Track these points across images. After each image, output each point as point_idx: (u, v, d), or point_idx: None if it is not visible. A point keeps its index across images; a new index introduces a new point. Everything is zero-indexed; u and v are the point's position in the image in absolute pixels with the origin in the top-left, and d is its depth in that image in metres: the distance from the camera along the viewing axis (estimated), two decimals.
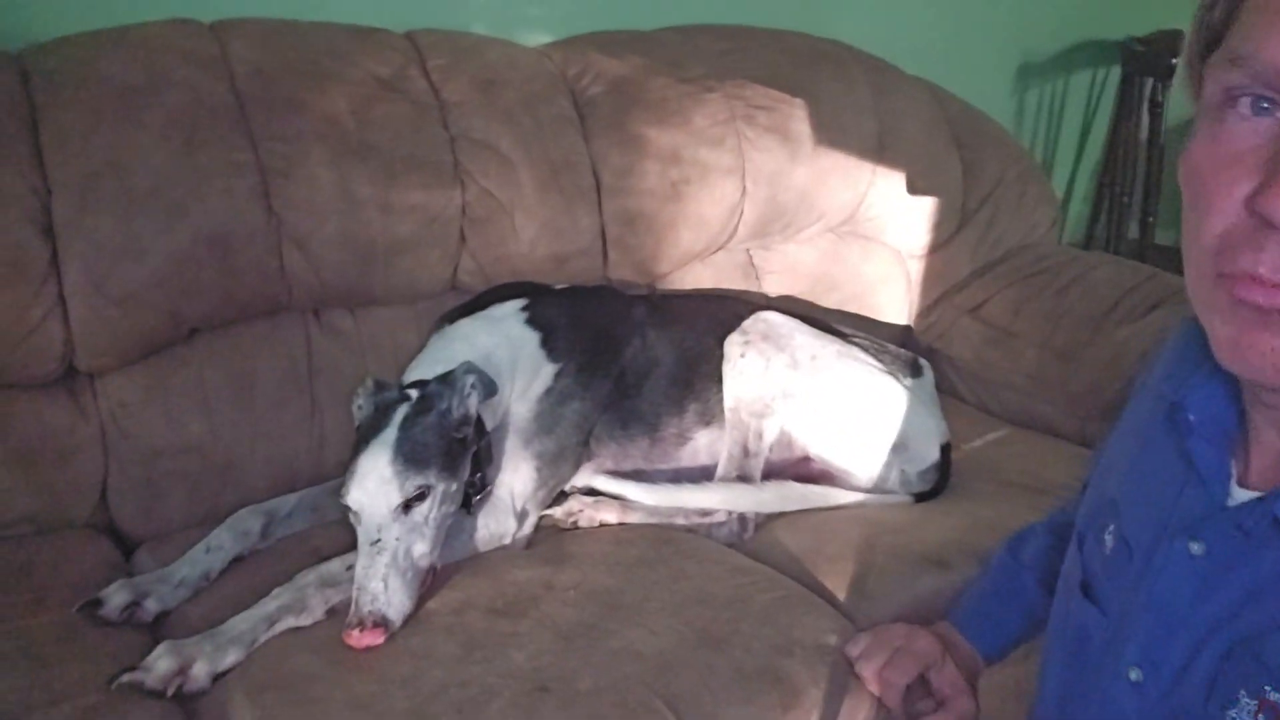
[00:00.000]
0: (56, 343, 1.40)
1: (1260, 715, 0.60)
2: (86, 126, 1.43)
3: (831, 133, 1.99)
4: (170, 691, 1.13)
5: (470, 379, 1.35)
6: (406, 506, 1.25)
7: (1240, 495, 0.67)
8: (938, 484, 1.69)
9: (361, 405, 1.36)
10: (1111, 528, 0.77)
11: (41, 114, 1.42)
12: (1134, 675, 0.70)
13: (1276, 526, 0.61)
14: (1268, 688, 0.60)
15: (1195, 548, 0.67)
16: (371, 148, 1.59)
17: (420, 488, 1.26)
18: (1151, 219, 3.02)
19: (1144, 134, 2.93)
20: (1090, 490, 0.82)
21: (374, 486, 1.25)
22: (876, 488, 1.66)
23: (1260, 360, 0.58)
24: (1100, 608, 0.76)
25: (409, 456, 1.26)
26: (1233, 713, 0.62)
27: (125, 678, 1.11)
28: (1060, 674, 0.80)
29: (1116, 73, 2.99)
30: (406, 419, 1.29)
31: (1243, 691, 0.61)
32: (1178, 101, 2.83)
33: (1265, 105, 0.57)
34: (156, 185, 1.43)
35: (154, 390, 1.49)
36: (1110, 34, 2.99)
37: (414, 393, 1.34)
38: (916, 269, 2.23)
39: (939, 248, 2.21)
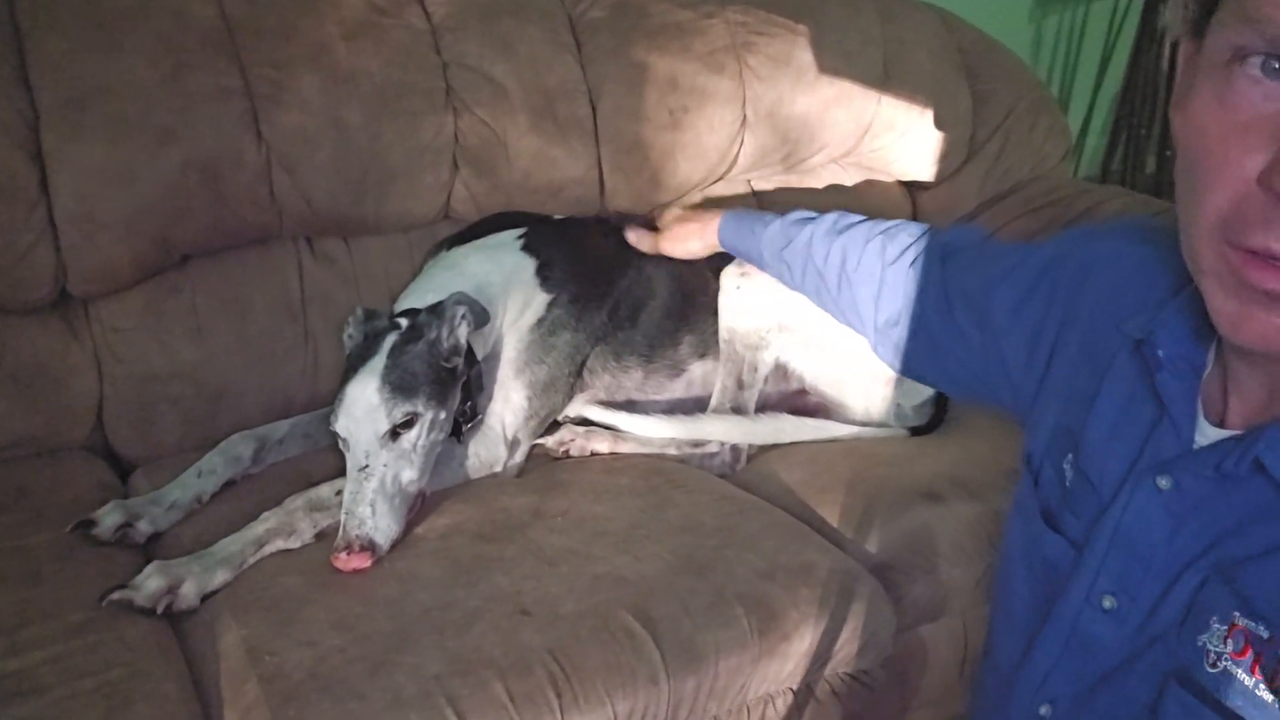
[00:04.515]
0: (48, 268, 1.41)
1: (1229, 639, 0.61)
2: (73, 50, 1.41)
3: (836, 61, 1.94)
4: (160, 609, 1.15)
5: (461, 310, 1.35)
6: (394, 434, 1.26)
7: (1212, 434, 0.67)
8: (934, 418, 1.68)
9: (351, 334, 1.37)
10: (1070, 458, 0.77)
11: (28, 38, 1.41)
12: (1108, 603, 0.71)
13: (1256, 467, 0.61)
14: (1237, 613, 0.61)
15: (1163, 482, 0.67)
16: (362, 74, 1.57)
17: (408, 415, 1.26)
18: (1170, 153, 2.94)
19: (1165, 64, 2.84)
20: (1041, 417, 0.81)
21: (361, 413, 1.26)
22: (872, 421, 1.65)
23: (1260, 338, 0.58)
24: (1065, 537, 0.76)
25: (396, 384, 1.26)
26: (1204, 637, 0.63)
27: (115, 595, 1.14)
28: (1028, 601, 0.80)
29: None
30: (395, 347, 1.30)
31: (1214, 618, 0.63)
32: None
33: (1278, 66, 0.54)
34: (145, 110, 1.42)
35: (147, 316, 1.50)
36: None
37: (404, 321, 1.34)
38: (923, 201, 2.19)
39: (946, 179, 2.16)
